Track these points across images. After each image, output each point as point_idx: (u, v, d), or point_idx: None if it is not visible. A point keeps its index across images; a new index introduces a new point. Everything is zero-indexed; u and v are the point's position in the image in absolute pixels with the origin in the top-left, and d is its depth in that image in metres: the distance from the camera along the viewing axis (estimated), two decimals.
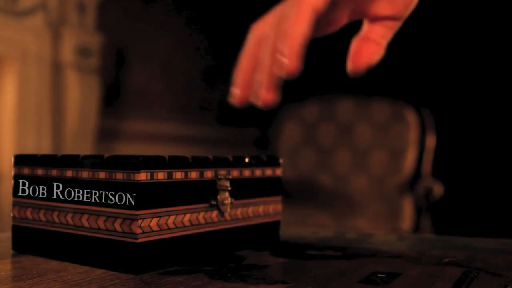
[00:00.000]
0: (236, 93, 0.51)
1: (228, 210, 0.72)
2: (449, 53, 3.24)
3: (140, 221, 0.60)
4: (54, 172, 0.68)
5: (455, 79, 3.24)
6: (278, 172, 0.83)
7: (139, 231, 0.60)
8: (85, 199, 0.64)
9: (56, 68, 2.58)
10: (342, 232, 1.01)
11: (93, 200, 0.63)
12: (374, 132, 2.60)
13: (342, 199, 2.58)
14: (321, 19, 0.51)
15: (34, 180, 0.70)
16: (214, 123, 3.60)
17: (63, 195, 0.66)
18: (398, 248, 0.82)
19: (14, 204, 0.72)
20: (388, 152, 2.56)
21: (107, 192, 0.62)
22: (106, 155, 0.63)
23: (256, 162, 0.78)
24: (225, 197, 0.71)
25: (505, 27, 3.10)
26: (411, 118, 2.56)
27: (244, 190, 0.75)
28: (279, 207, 0.83)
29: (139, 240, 0.60)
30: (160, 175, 0.62)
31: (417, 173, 2.53)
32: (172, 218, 0.63)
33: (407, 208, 2.50)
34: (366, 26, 0.55)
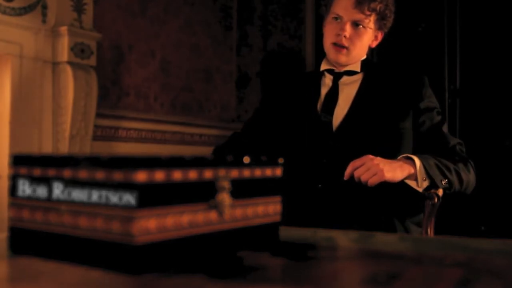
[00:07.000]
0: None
1: (227, 210, 0.71)
2: (449, 52, 3.24)
3: (138, 221, 0.59)
4: (52, 172, 0.67)
5: (456, 79, 3.24)
6: (278, 172, 0.82)
7: (137, 231, 0.59)
8: (83, 200, 0.63)
9: (54, 67, 2.57)
10: (342, 232, 1.00)
11: (91, 201, 0.63)
12: None
13: None
14: None
15: (32, 180, 0.69)
16: (214, 123, 3.59)
17: (61, 196, 0.66)
18: (399, 249, 0.81)
19: (12, 205, 0.71)
20: None
21: (105, 193, 0.61)
22: (104, 155, 0.63)
23: (256, 162, 0.77)
24: (224, 198, 0.70)
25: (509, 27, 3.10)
26: None
27: (243, 190, 0.74)
28: (278, 207, 0.82)
29: (138, 241, 0.59)
30: (159, 176, 0.61)
31: None
32: (171, 218, 0.63)
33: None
34: None
